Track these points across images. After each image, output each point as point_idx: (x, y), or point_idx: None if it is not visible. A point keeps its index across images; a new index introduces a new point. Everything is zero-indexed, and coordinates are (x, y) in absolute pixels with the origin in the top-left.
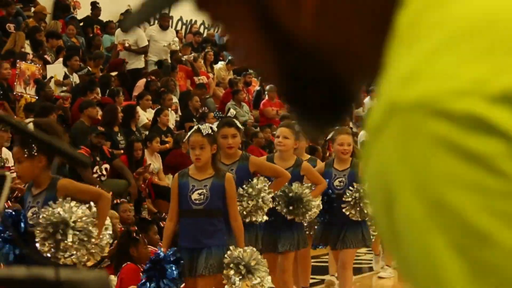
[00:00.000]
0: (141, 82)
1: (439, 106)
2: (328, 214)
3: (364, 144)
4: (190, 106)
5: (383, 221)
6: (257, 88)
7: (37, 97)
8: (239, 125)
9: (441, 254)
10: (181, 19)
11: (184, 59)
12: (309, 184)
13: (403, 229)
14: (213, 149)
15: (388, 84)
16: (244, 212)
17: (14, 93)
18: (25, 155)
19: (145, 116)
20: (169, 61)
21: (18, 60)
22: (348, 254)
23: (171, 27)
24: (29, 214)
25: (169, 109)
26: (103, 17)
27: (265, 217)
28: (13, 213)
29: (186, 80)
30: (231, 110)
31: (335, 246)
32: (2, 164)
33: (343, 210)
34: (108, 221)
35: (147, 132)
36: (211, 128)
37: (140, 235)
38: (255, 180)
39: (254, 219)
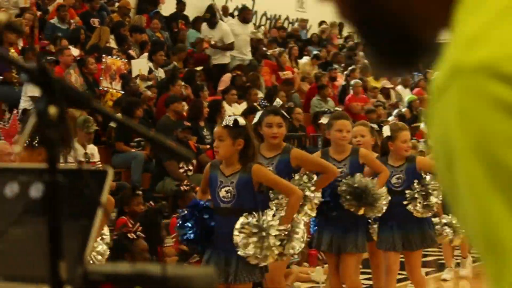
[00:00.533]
0: (226, 77)
1: (500, 70)
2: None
3: (427, 104)
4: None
5: (446, 178)
6: (343, 83)
7: (123, 92)
8: (286, 115)
9: (498, 212)
10: (265, 14)
11: (269, 53)
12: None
13: (463, 187)
14: (237, 144)
15: (453, 47)
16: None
17: (100, 88)
18: (25, 145)
19: (230, 110)
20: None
21: (103, 55)
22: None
23: (255, 22)
24: None
25: (255, 103)
26: (188, 12)
27: (305, 218)
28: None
29: (271, 75)
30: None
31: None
32: (87, 159)
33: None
34: None
35: None
36: (235, 120)
37: None
38: (297, 177)
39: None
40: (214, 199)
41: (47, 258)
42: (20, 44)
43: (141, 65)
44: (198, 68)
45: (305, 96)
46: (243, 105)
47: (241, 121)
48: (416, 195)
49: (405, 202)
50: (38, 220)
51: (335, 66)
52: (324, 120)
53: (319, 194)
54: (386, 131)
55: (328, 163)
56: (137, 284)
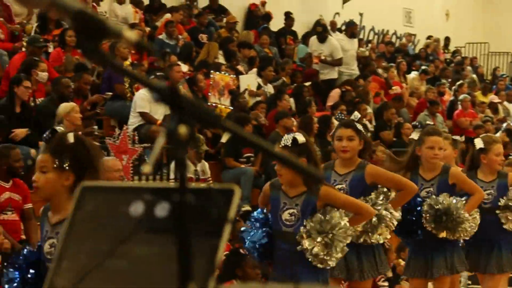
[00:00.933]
0: (335, 92)
1: None
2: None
3: None
4: (384, 116)
5: None
6: (451, 98)
7: (231, 108)
8: (360, 128)
9: None
10: (373, 29)
11: (377, 69)
12: (463, 199)
13: None
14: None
15: None
16: (356, 232)
17: (209, 104)
18: (54, 166)
19: None
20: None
21: (212, 71)
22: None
23: (363, 37)
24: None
25: (364, 119)
26: (296, 27)
27: (382, 239)
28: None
29: (379, 90)
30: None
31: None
32: (197, 176)
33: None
34: None
35: None
36: (294, 138)
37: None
38: (373, 195)
39: (368, 239)
40: (275, 222)
41: (174, 278)
42: (129, 59)
43: (249, 80)
44: (307, 84)
45: (413, 111)
46: None
47: (300, 138)
48: (510, 203)
49: (497, 211)
50: (164, 239)
51: (443, 81)
52: (414, 135)
53: (397, 214)
54: (479, 143)
55: (406, 179)
56: None
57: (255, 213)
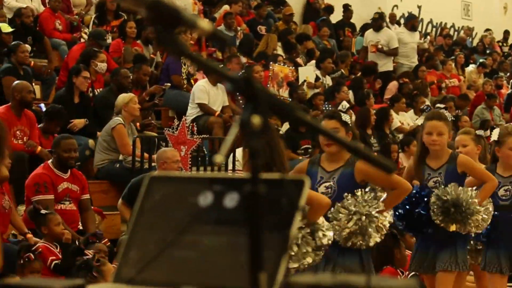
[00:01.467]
0: (392, 85)
1: None
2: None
3: None
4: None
5: None
6: (509, 91)
7: (290, 99)
8: (346, 119)
9: None
10: (431, 21)
11: (435, 62)
12: (473, 188)
13: None
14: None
15: None
16: (343, 234)
17: None
18: None
19: (397, 119)
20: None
21: (271, 62)
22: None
23: (421, 29)
24: None
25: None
26: (354, 19)
27: (372, 242)
28: None
29: (437, 83)
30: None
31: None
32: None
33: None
34: None
35: (400, 136)
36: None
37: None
38: (359, 192)
39: (357, 242)
40: None
41: (243, 269)
42: None
43: (308, 72)
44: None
45: (470, 104)
46: (411, 113)
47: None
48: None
49: None
50: (233, 230)
51: (501, 74)
52: (420, 120)
53: (388, 215)
54: (495, 134)
55: (399, 178)
56: None
57: None
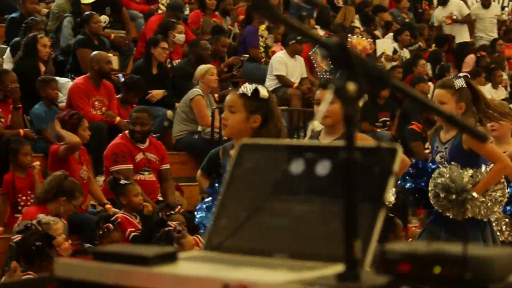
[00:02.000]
0: (469, 58)
1: None
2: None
3: None
4: None
5: None
6: None
7: None
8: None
9: None
10: None
11: None
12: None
13: None
14: (253, 120)
15: None
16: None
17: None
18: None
19: None
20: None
21: (349, 35)
22: None
23: (499, 3)
24: None
25: (500, 85)
26: None
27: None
28: None
29: None
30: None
31: None
32: None
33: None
34: None
35: None
36: (255, 90)
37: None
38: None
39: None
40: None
41: (335, 237)
42: (266, 22)
43: (385, 45)
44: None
45: None
46: (488, 87)
47: (263, 92)
48: None
49: None
50: (324, 198)
51: None
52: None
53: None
54: None
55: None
56: (437, 264)
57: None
